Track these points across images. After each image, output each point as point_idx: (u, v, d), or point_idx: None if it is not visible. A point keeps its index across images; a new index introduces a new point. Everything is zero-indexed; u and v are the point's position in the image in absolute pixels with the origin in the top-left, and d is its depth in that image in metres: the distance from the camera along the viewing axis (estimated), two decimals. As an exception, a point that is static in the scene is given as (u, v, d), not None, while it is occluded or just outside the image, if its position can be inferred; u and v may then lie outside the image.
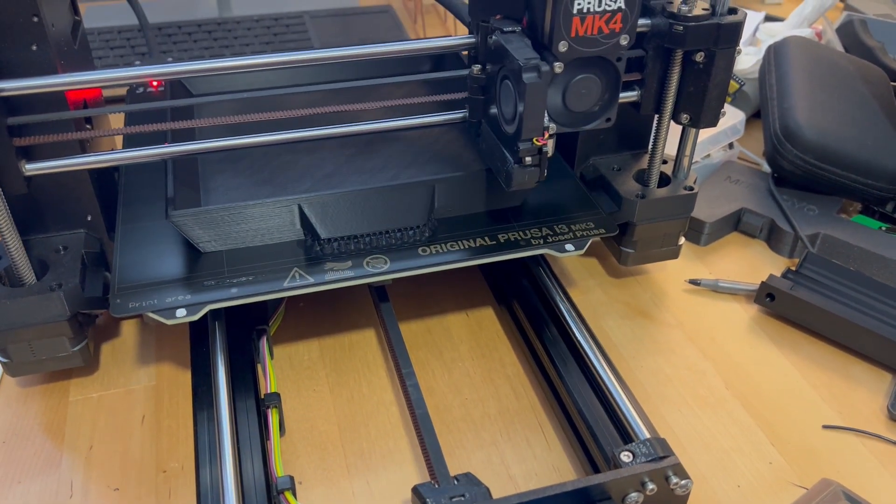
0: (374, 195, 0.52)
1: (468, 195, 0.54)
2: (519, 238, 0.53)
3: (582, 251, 0.52)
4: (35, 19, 0.43)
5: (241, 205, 0.50)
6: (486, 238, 0.52)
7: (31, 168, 0.46)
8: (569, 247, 0.52)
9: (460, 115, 0.54)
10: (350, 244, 0.51)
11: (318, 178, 0.57)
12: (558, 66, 0.45)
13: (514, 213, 0.55)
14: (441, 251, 0.51)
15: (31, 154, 0.46)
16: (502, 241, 0.52)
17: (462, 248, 0.51)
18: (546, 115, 0.46)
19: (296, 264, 0.50)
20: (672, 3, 0.50)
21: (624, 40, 0.46)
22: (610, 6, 0.45)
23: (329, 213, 0.51)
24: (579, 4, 0.44)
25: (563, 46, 0.45)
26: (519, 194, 0.55)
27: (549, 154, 0.47)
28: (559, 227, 0.54)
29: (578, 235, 0.53)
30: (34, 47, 0.44)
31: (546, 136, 0.46)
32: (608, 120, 0.50)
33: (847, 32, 0.86)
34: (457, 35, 0.57)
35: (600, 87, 0.48)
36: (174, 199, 0.50)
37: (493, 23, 0.48)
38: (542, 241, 0.52)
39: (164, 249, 0.51)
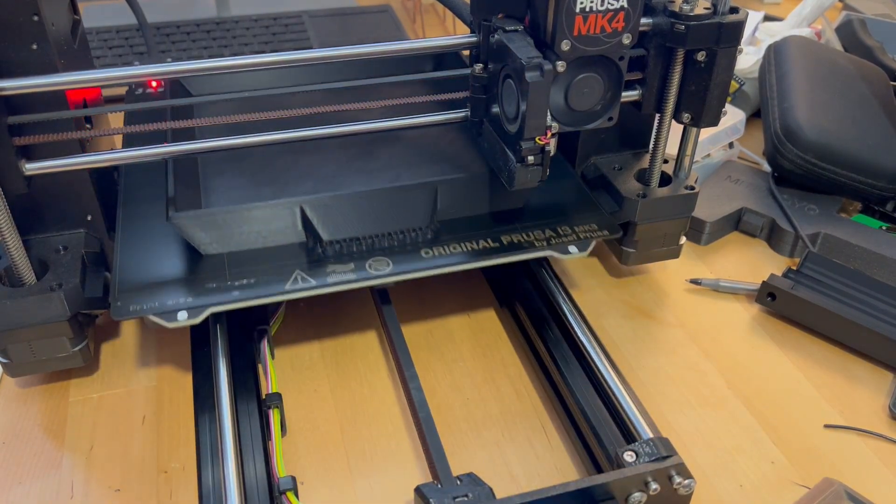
0: (376, 197, 0.51)
1: (471, 196, 0.54)
2: (522, 240, 0.52)
3: (585, 253, 0.52)
4: (35, 18, 0.43)
5: (243, 207, 0.50)
6: (489, 240, 0.52)
7: (31, 167, 0.45)
8: (572, 248, 0.52)
9: (461, 114, 0.54)
10: (352, 246, 0.51)
11: (320, 179, 0.57)
12: (561, 66, 0.45)
13: (516, 214, 0.54)
14: (444, 253, 0.51)
15: (31, 153, 0.46)
16: (505, 243, 0.52)
17: (465, 250, 0.51)
18: (549, 113, 0.46)
19: (298, 267, 0.49)
20: (674, 2, 0.50)
21: (626, 39, 0.46)
22: (613, 5, 0.45)
23: (331, 215, 0.51)
24: (582, 3, 0.44)
25: (565, 45, 0.45)
26: (521, 195, 0.55)
27: (552, 153, 0.47)
28: (562, 228, 0.53)
29: (582, 237, 0.53)
30: (34, 46, 0.44)
31: (549, 134, 0.46)
32: (610, 119, 0.50)
33: (846, 32, 0.86)
34: (456, 34, 0.57)
35: (602, 86, 0.48)
36: (175, 201, 0.49)
37: (496, 22, 0.48)
38: (545, 244, 0.52)
39: (164, 251, 0.50)
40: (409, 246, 0.51)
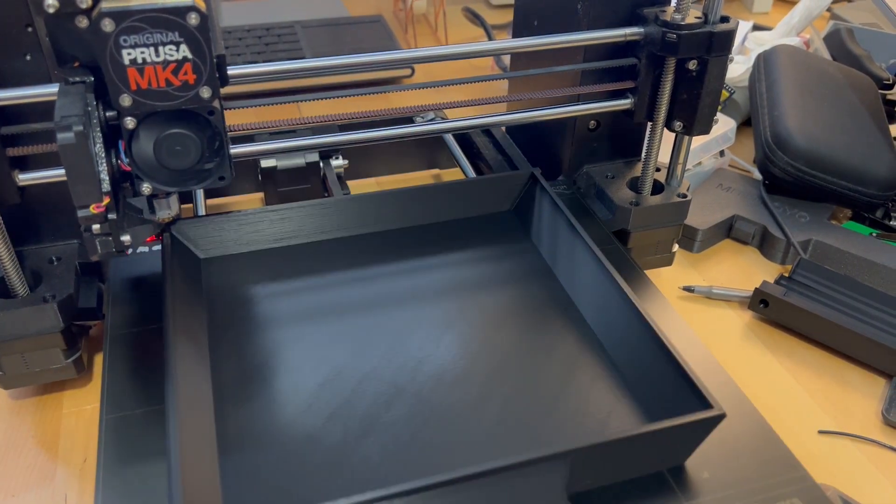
0: (482, 485, 0.34)
1: (617, 461, 0.37)
2: None
3: None
4: (29, 29, 0.43)
5: None
6: None
7: (24, 178, 0.45)
8: None
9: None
10: None
11: (394, 452, 0.39)
12: (130, 122, 0.41)
13: (676, 476, 0.38)
14: None
15: (24, 164, 0.46)
16: None
17: None
18: (102, 177, 0.39)
19: None
20: (665, 11, 0.50)
21: (206, 92, 0.41)
22: (172, 56, 0.39)
23: None
24: (130, 55, 0.39)
25: (125, 100, 0.40)
26: (682, 448, 0.38)
27: (118, 217, 0.42)
28: None
29: None
30: (28, 57, 0.44)
31: (106, 200, 0.39)
32: (222, 179, 0.44)
33: (834, 41, 0.87)
34: (447, 44, 0.57)
35: (198, 143, 0.43)
36: None
37: (63, 72, 0.41)
38: None
39: None
40: None
